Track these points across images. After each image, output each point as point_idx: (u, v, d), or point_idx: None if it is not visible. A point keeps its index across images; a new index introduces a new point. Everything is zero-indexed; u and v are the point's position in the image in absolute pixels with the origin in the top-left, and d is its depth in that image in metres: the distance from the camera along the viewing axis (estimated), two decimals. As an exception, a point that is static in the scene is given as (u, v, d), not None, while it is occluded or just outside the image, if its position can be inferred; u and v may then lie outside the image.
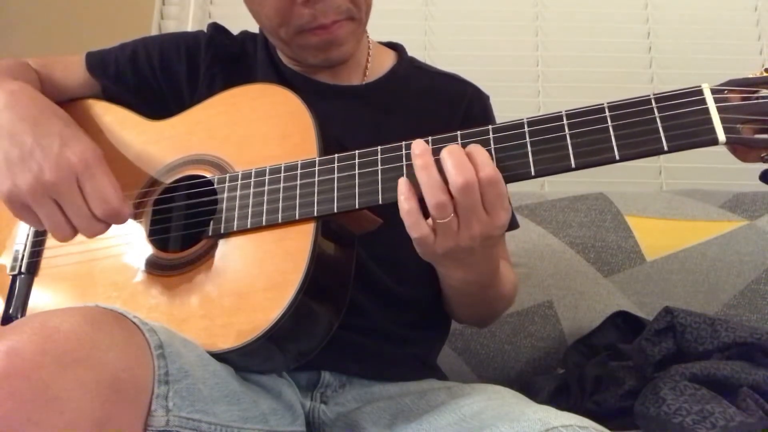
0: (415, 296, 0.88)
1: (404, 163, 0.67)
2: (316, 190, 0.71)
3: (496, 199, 0.63)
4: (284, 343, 0.70)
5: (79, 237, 0.81)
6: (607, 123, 0.61)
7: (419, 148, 0.65)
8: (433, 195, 0.63)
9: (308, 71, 0.93)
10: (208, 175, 0.79)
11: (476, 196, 0.62)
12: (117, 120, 0.89)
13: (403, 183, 0.66)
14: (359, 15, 0.86)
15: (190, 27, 1.82)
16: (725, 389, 0.97)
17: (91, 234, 0.73)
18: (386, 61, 0.97)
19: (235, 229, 0.74)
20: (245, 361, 0.71)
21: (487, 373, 1.30)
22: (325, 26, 0.83)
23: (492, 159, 0.64)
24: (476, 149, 0.64)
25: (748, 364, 1.03)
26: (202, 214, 0.77)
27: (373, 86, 0.94)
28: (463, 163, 0.62)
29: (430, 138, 0.68)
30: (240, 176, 0.76)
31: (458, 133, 0.67)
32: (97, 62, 0.95)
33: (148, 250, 0.78)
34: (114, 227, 0.80)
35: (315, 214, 0.70)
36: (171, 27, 1.85)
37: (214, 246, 0.74)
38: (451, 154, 0.63)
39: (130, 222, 0.80)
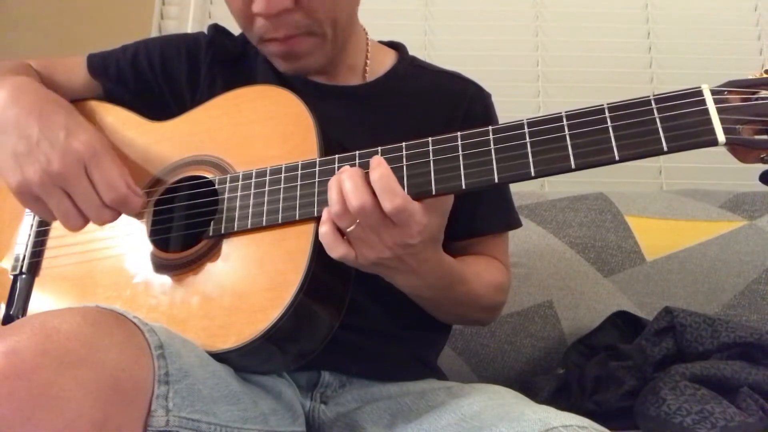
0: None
1: (404, 163, 0.67)
2: (316, 191, 0.71)
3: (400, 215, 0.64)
4: (284, 343, 0.70)
5: (81, 238, 0.81)
6: (607, 124, 0.61)
7: (338, 173, 0.67)
8: (333, 212, 0.65)
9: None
10: (209, 176, 0.79)
11: (376, 215, 0.63)
12: (119, 121, 0.89)
13: (323, 211, 0.67)
14: (322, 30, 0.84)
15: (190, 27, 1.82)
16: (725, 389, 0.97)
17: (101, 221, 0.74)
18: (386, 61, 0.97)
19: (235, 229, 0.74)
20: (245, 361, 0.71)
21: (487, 373, 1.30)
22: (282, 39, 0.83)
23: (402, 182, 0.65)
24: (375, 173, 0.64)
25: (748, 364, 1.03)
26: (202, 214, 0.77)
27: (372, 86, 0.94)
28: (358, 186, 0.63)
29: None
30: (241, 177, 0.76)
31: (458, 134, 0.67)
32: (98, 64, 0.95)
33: (148, 250, 0.78)
34: (115, 228, 0.80)
35: (315, 214, 0.70)
36: (171, 27, 1.85)
37: (214, 246, 0.74)
38: (349, 177, 0.64)
39: (132, 222, 0.80)
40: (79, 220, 0.74)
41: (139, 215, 0.80)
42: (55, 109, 0.78)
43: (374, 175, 0.64)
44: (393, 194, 0.63)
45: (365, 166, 0.67)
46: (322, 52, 0.86)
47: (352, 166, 0.69)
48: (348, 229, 0.65)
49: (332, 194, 0.65)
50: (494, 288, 0.88)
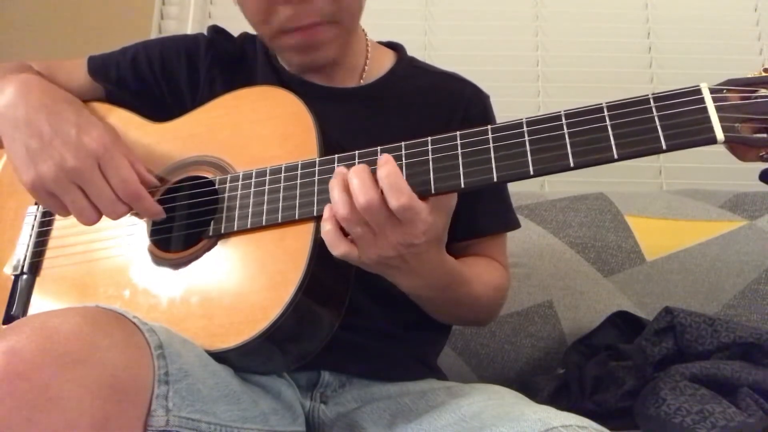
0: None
1: (404, 162, 0.67)
2: (315, 190, 0.71)
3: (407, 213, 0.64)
4: (284, 343, 0.70)
5: (82, 238, 0.82)
6: (606, 122, 0.61)
7: (338, 170, 0.66)
8: (338, 211, 0.64)
9: (307, 74, 0.93)
10: (210, 176, 0.79)
11: (382, 213, 0.63)
12: (120, 122, 0.89)
13: (325, 208, 0.67)
14: (343, 19, 0.84)
15: (190, 27, 1.82)
16: (725, 389, 0.97)
17: (115, 216, 0.75)
18: (385, 62, 0.97)
19: (235, 229, 0.74)
20: (244, 360, 0.71)
21: (487, 373, 1.30)
22: (304, 28, 0.82)
23: (402, 176, 0.64)
24: (383, 171, 0.64)
25: (748, 364, 1.03)
26: (203, 214, 0.77)
27: (371, 87, 0.94)
28: (365, 183, 0.63)
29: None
30: (241, 177, 0.76)
31: (457, 133, 0.67)
32: (98, 67, 0.96)
33: (149, 250, 0.78)
34: (116, 228, 0.80)
35: (315, 213, 0.70)
36: (171, 27, 1.85)
37: (214, 246, 0.75)
38: (356, 174, 0.64)
39: (132, 222, 0.80)
40: (94, 214, 0.75)
41: (139, 215, 0.81)
42: (64, 105, 0.79)
43: (382, 172, 0.63)
44: (400, 192, 0.62)
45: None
46: (339, 42, 0.86)
47: (351, 165, 0.70)
48: (352, 227, 0.64)
49: (336, 192, 0.65)
50: (493, 288, 0.89)
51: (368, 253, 0.66)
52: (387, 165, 0.64)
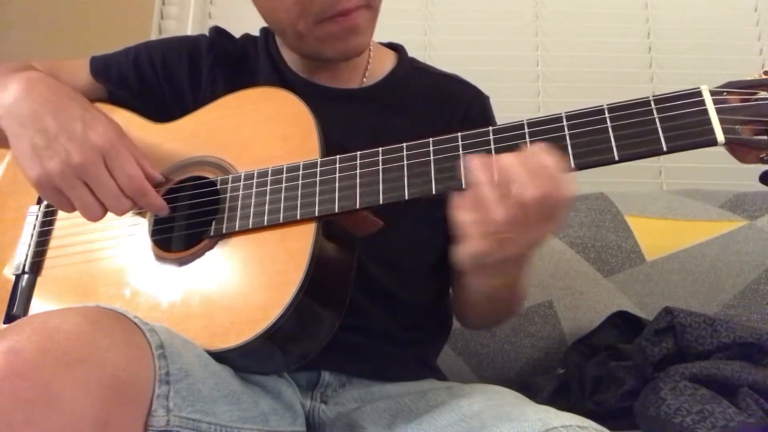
0: (415, 297, 0.88)
1: (405, 163, 0.68)
2: (317, 191, 0.71)
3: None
4: (284, 343, 0.71)
5: (83, 237, 0.82)
6: (607, 124, 0.62)
7: (481, 160, 0.61)
8: (496, 212, 0.59)
9: (310, 75, 0.93)
10: (211, 176, 0.79)
11: (545, 207, 0.59)
12: (122, 122, 0.88)
13: (461, 196, 0.62)
14: (375, 3, 0.85)
15: (190, 27, 1.82)
16: (725, 389, 0.97)
17: (120, 211, 0.75)
18: (387, 63, 0.97)
19: (236, 229, 0.74)
20: (244, 360, 0.71)
21: (487, 373, 1.30)
22: (347, 12, 0.81)
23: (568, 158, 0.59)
24: (549, 160, 0.58)
25: (748, 364, 1.03)
26: (204, 214, 0.78)
27: (373, 88, 0.94)
28: (538, 173, 0.58)
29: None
30: (243, 177, 0.76)
31: (459, 134, 0.67)
32: (100, 67, 0.96)
33: (150, 249, 0.78)
34: (117, 228, 0.80)
35: (316, 214, 0.71)
36: (171, 27, 1.85)
37: (215, 246, 0.75)
38: (525, 162, 0.58)
39: (134, 221, 0.80)
40: (99, 210, 0.75)
41: (141, 215, 0.81)
42: (68, 101, 0.79)
43: (548, 161, 0.59)
44: (564, 183, 0.58)
45: (366, 167, 0.67)
46: (371, 28, 0.87)
47: (353, 167, 0.70)
48: (506, 228, 0.59)
49: (488, 188, 0.60)
50: (529, 285, 0.88)
51: (500, 253, 0.62)
52: (552, 154, 0.59)
